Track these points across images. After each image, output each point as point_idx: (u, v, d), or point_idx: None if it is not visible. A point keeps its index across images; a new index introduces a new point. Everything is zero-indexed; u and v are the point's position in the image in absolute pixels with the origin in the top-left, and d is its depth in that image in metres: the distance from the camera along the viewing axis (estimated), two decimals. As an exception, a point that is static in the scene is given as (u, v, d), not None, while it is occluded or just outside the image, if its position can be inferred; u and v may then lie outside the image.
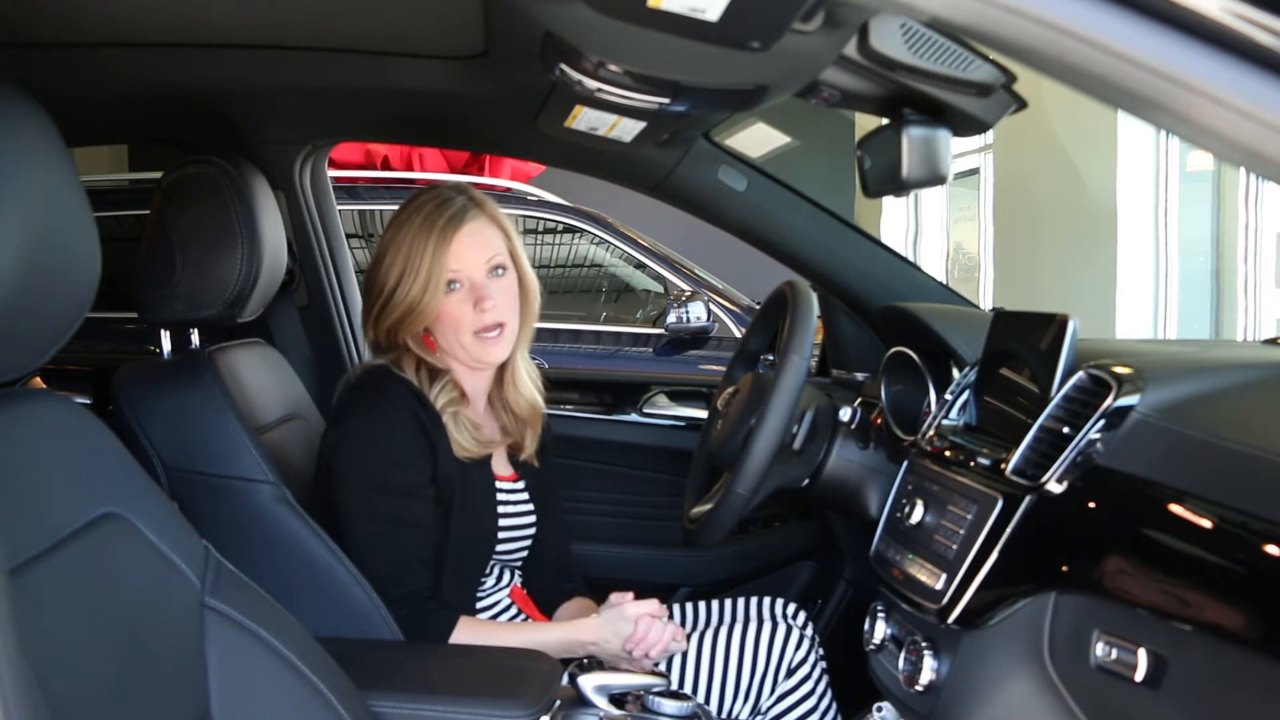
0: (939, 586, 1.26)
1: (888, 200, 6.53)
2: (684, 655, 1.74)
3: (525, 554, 1.79)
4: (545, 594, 1.83)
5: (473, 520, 1.68)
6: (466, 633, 1.59)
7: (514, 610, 1.76)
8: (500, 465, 1.77)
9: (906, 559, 1.37)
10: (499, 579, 1.76)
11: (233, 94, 1.86)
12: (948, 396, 1.50)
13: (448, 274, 1.64)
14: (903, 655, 1.35)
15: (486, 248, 1.67)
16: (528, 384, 1.79)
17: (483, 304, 1.65)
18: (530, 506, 1.79)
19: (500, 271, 1.68)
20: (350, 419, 1.66)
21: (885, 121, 1.42)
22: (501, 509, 1.73)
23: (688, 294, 4.23)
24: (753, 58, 1.15)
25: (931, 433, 1.49)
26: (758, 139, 7.86)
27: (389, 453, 1.61)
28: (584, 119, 1.57)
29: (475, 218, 1.67)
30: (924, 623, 1.33)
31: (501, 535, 1.72)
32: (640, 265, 4.51)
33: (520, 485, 1.79)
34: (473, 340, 1.66)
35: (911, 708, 1.35)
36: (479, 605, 1.72)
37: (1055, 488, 1.13)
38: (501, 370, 1.76)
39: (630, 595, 1.67)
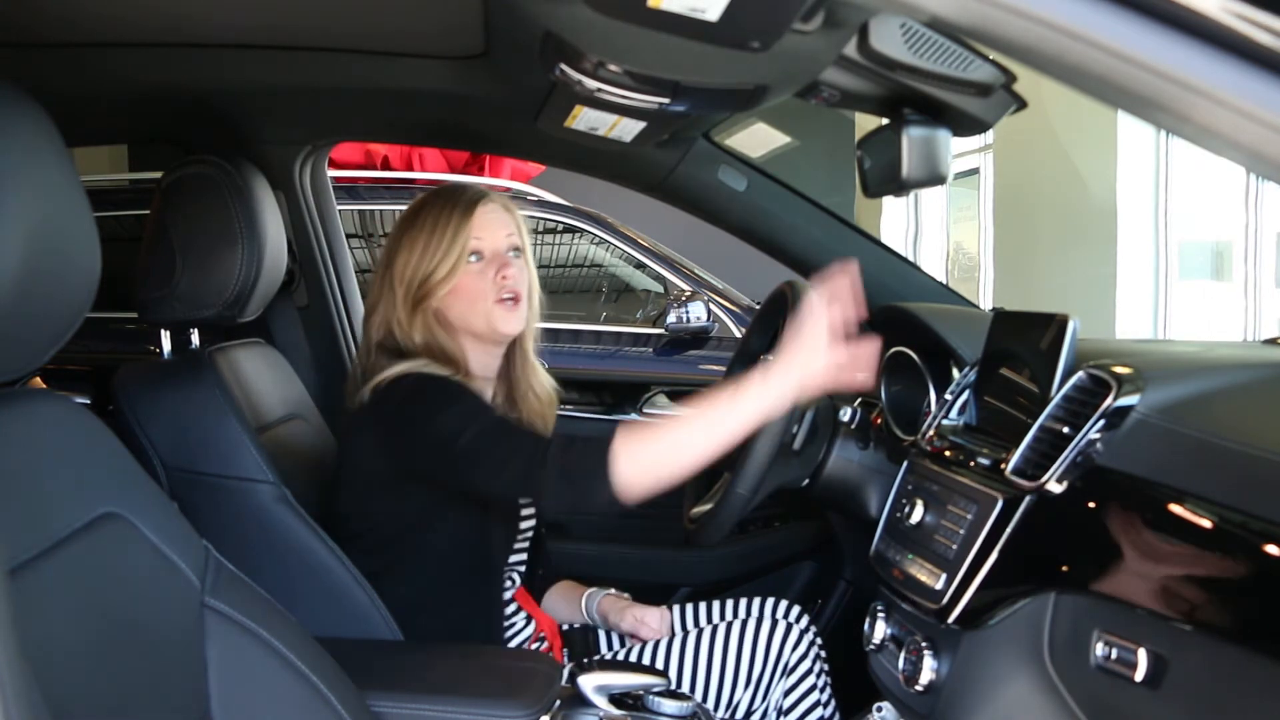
0: (939, 586, 1.26)
1: (888, 200, 6.53)
2: (684, 655, 1.75)
3: (526, 549, 1.80)
4: (530, 588, 1.86)
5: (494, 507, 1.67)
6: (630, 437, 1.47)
7: (515, 607, 1.77)
8: None
9: (906, 559, 1.37)
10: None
11: (233, 94, 1.86)
12: (948, 396, 1.50)
13: (473, 243, 1.66)
14: (903, 655, 1.35)
15: (506, 225, 1.71)
16: (540, 370, 1.81)
17: (505, 270, 1.67)
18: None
19: (517, 253, 1.72)
20: (401, 394, 1.59)
21: (885, 121, 1.42)
22: None
23: (688, 294, 4.22)
24: (753, 58, 1.15)
25: (931, 433, 1.49)
26: (758, 139, 7.86)
27: (450, 387, 1.59)
28: (584, 119, 1.57)
29: (495, 200, 1.72)
30: (924, 623, 1.33)
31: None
32: (640, 265, 4.50)
33: None
34: (493, 307, 1.66)
35: (911, 708, 1.35)
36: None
37: (1055, 488, 1.13)
38: (512, 358, 1.78)
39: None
